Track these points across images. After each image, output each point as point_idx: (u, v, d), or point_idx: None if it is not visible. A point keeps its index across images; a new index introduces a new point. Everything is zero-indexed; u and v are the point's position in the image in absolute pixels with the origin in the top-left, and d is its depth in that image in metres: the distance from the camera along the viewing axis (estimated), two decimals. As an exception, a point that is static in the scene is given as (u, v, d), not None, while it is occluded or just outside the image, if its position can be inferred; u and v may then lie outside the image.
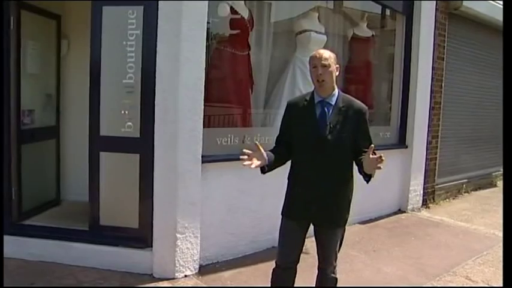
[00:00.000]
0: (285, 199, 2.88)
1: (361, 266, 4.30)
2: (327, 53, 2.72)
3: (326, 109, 2.73)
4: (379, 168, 2.49)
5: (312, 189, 2.71)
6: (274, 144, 2.90)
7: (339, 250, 2.89)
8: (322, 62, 2.67)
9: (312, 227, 2.85)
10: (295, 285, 2.95)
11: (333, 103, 2.74)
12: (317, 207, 2.72)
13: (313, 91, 2.81)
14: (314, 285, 2.98)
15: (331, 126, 2.68)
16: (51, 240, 4.00)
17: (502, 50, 4.08)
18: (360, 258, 4.48)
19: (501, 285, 3.78)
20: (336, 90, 2.78)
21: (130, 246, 3.88)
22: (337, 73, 2.77)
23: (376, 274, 4.14)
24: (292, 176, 2.85)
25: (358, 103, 2.81)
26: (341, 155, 2.70)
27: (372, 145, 2.56)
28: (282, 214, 2.88)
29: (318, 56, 2.70)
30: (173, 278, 3.78)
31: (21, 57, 4.24)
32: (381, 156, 2.46)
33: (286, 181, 2.89)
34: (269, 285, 2.98)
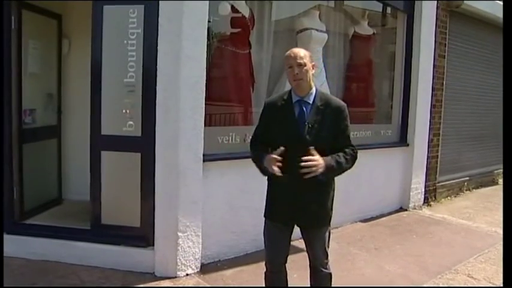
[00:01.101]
0: (266, 201, 2.84)
1: (363, 264, 4.30)
2: (302, 52, 2.68)
3: (304, 108, 2.68)
4: (310, 172, 2.50)
5: (292, 190, 2.66)
6: (251, 145, 2.85)
7: (328, 246, 2.85)
8: (298, 61, 2.63)
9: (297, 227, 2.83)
10: (292, 286, 2.95)
11: (311, 102, 2.70)
12: (299, 208, 2.69)
13: (290, 90, 2.77)
14: (309, 284, 2.97)
15: (310, 125, 2.64)
16: (53, 240, 4.00)
17: (502, 48, 4.08)
18: (362, 256, 4.48)
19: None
20: (314, 89, 2.73)
21: (132, 245, 3.88)
22: (313, 71, 2.73)
23: (378, 272, 4.14)
24: (272, 177, 2.75)
25: (337, 101, 2.77)
26: (320, 154, 2.61)
27: (311, 147, 2.54)
28: (264, 216, 2.85)
29: (292, 55, 2.66)
30: (175, 277, 3.78)
31: (22, 56, 4.25)
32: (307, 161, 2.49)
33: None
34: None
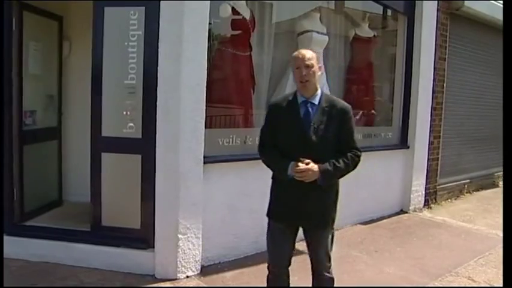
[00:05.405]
0: (270, 200, 2.84)
1: (363, 266, 4.30)
2: (309, 53, 2.69)
3: (310, 109, 2.70)
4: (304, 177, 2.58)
5: (297, 191, 2.66)
6: (261, 147, 2.85)
7: (331, 250, 2.84)
8: (306, 62, 2.64)
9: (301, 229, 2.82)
10: (293, 286, 2.94)
11: (317, 103, 2.71)
12: (302, 208, 2.69)
13: (295, 92, 2.78)
14: (309, 286, 2.95)
15: (315, 126, 2.65)
16: (53, 241, 4.00)
17: (502, 49, 4.08)
18: (362, 259, 4.47)
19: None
20: (319, 90, 2.75)
21: (132, 247, 3.88)
22: (320, 73, 2.76)
23: (378, 274, 4.13)
24: (277, 177, 2.80)
25: (342, 102, 2.79)
26: (325, 155, 2.64)
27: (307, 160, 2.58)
28: (267, 216, 2.84)
29: (300, 56, 2.67)
30: (175, 279, 3.78)
31: (23, 58, 4.25)
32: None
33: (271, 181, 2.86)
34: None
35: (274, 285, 2.89)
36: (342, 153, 2.68)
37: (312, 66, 2.66)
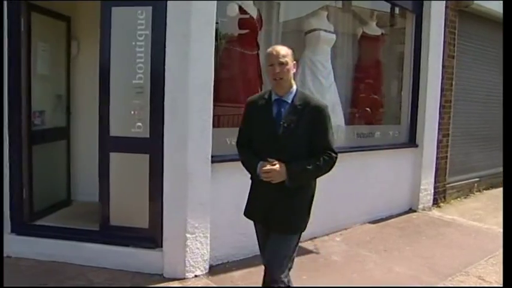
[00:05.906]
0: (247, 200, 2.83)
1: (372, 265, 4.27)
2: (284, 50, 2.59)
3: (282, 108, 2.62)
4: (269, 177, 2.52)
5: (266, 191, 2.62)
6: (238, 146, 2.82)
7: (288, 260, 2.66)
8: (280, 59, 2.55)
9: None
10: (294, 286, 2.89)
11: (290, 101, 2.62)
12: (269, 209, 2.64)
13: (271, 89, 2.71)
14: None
15: (285, 125, 2.56)
16: (62, 241, 4.02)
17: (503, 47, 4.03)
18: (371, 258, 4.45)
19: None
20: (294, 88, 2.65)
21: (140, 247, 3.89)
22: (295, 70, 2.65)
23: (388, 274, 4.11)
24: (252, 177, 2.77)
25: (316, 101, 2.67)
26: (297, 155, 2.55)
27: (274, 161, 2.52)
28: (244, 215, 2.84)
29: (274, 53, 2.57)
30: (183, 278, 3.78)
31: (31, 58, 4.27)
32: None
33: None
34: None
35: None
36: (315, 154, 2.57)
37: (287, 64, 2.56)
